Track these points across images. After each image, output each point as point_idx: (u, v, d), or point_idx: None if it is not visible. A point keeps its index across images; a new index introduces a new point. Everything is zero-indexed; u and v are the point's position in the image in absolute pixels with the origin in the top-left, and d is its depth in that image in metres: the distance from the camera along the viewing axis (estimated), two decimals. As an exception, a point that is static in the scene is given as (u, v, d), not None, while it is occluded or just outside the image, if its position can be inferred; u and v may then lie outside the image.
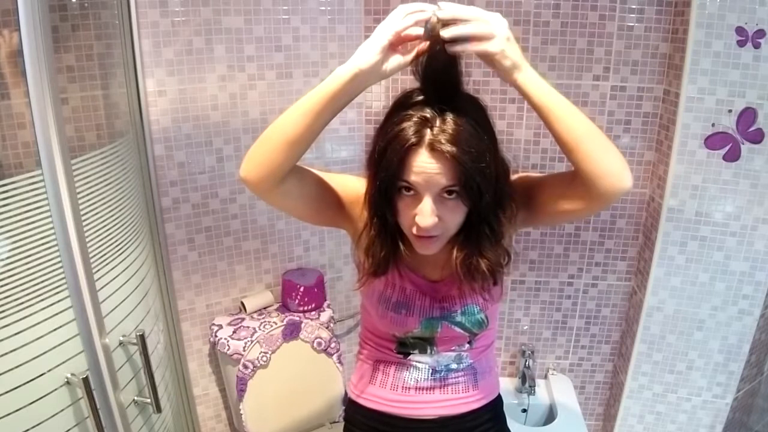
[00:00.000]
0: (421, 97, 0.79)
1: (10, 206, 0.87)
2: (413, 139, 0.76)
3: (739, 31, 1.38)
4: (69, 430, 0.98)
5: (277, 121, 0.81)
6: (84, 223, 0.97)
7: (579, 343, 1.92)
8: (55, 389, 0.95)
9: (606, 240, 1.77)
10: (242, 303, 1.72)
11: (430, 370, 1.02)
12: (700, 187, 1.53)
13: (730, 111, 1.45)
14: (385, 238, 0.89)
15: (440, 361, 1.02)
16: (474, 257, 0.88)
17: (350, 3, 1.63)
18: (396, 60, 0.77)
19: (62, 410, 0.96)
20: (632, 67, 1.60)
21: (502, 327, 1.92)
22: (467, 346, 1.02)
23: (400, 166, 0.77)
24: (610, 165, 0.79)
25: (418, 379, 1.03)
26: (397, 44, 0.77)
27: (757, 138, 1.45)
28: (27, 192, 0.88)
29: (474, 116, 0.79)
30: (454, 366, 1.03)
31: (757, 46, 1.38)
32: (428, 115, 0.77)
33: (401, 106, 0.81)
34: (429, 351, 1.01)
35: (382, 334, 1.03)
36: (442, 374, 1.03)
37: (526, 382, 1.83)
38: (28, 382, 0.90)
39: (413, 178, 0.78)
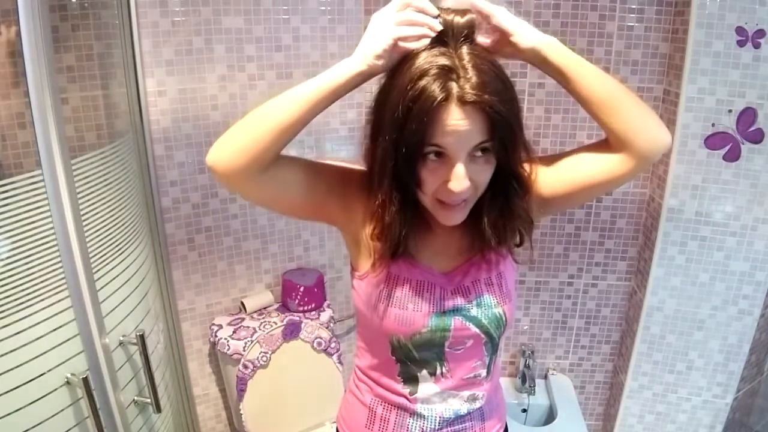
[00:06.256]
0: (431, 48, 0.71)
1: (10, 206, 0.87)
2: (440, 95, 0.67)
3: (739, 31, 1.38)
4: (69, 430, 0.98)
5: (264, 107, 0.74)
6: (84, 223, 0.97)
7: (579, 343, 1.92)
8: (55, 389, 0.95)
9: (606, 240, 1.77)
10: (242, 303, 1.72)
11: (438, 419, 0.89)
12: (700, 187, 1.53)
13: (730, 111, 1.45)
14: (404, 215, 0.79)
15: (449, 404, 0.89)
16: (504, 216, 0.81)
17: (350, 3, 1.63)
18: (395, 58, 0.72)
19: (62, 410, 0.96)
20: (632, 67, 1.60)
21: (502, 327, 1.92)
22: (484, 373, 0.90)
23: (427, 129, 0.68)
24: (650, 120, 0.78)
25: (424, 428, 0.89)
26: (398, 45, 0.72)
27: (757, 138, 1.45)
28: (27, 192, 0.88)
29: (491, 60, 0.72)
30: (464, 411, 0.90)
31: (757, 46, 1.38)
32: (448, 63, 0.68)
33: (409, 62, 0.71)
34: (439, 368, 0.87)
35: (382, 356, 0.89)
36: (450, 421, 0.90)
37: (526, 382, 1.83)
38: (28, 382, 0.90)
39: (444, 139, 0.69)
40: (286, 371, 1.66)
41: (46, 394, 0.93)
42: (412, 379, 0.88)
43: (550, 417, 1.81)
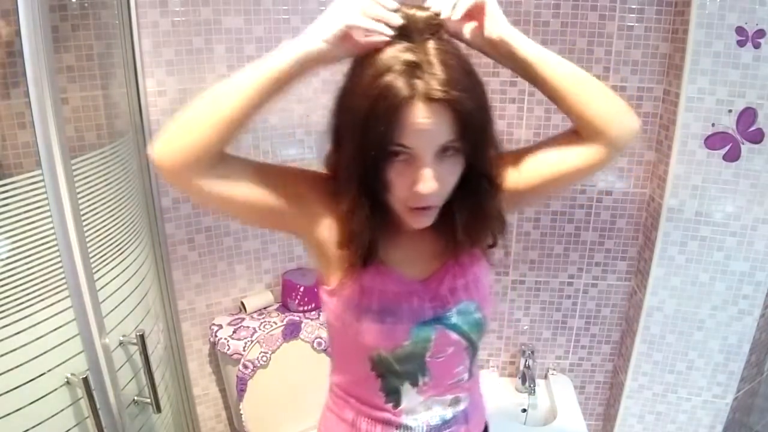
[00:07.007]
0: (394, 43, 0.66)
1: (10, 206, 0.87)
2: (405, 92, 0.63)
3: (739, 31, 1.38)
4: (69, 430, 0.98)
5: (207, 96, 0.69)
6: (84, 223, 0.97)
7: (579, 343, 1.92)
8: (55, 389, 0.95)
9: (606, 240, 1.77)
10: (242, 303, 1.72)
11: (424, 427, 0.87)
12: (700, 187, 1.53)
13: (730, 111, 1.45)
14: (374, 221, 0.74)
15: (434, 411, 0.87)
16: (476, 217, 0.78)
17: (350, 3, 1.63)
18: (346, 49, 0.69)
19: (62, 410, 0.96)
20: (632, 67, 1.60)
21: (502, 327, 1.92)
22: (466, 376, 0.88)
23: (392, 128, 0.65)
24: (619, 107, 0.77)
25: None
26: (350, 35, 0.68)
27: (757, 138, 1.45)
28: (27, 192, 0.88)
29: (459, 55, 0.69)
30: (449, 416, 0.88)
31: (757, 46, 1.38)
32: (413, 58, 0.64)
33: (372, 57, 0.67)
34: (421, 378, 0.84)
35: (361, 372, 0.84)
36: (437, 427, 0.88)
37: (526, 382, 1.83)
38: (28, 382, 0.90)
39: (409, 138, 0.66)
40: (286, 371, 1.66)
41: (46, 394, 0.93)
42: (394, 393, 0.85)
43: (550, 417, 1.81)
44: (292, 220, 0.79)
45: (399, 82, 0.63)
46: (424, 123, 0.65)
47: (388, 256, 0.80)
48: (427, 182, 0.68)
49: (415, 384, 0.84)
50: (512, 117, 1.68)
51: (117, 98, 1.32)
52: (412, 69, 0.64)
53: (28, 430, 0.91)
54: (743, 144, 1.46)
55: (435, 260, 0.83)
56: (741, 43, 1.39)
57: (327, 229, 0.79)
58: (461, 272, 0.83)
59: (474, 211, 0.77)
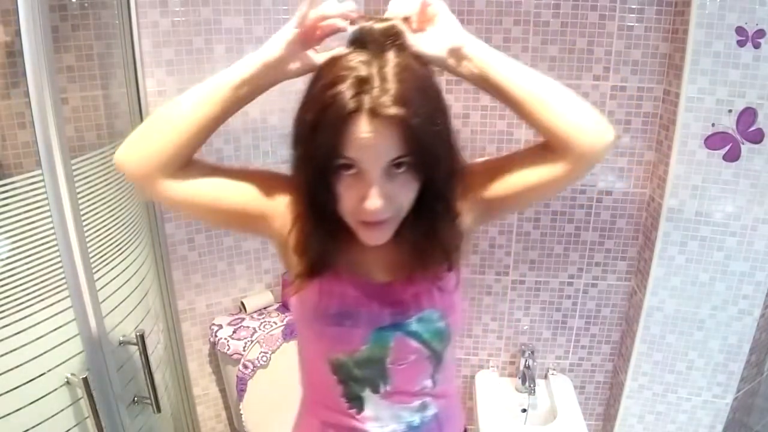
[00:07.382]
0: (352, 54, 0.66)
1: (10, 206, 0.87)
2: (351, 105, 0.62)
3: (739, 31, 1.38)
4: (69, 430, 0.98)
5: (171, 104, 0.71)
6: (84, 223, 0.97)
7: (579, 343, 1.92)
8: (55, 389, 0.95)
9: (606, 240, 1.77)
10: (242, 303, 1.72)
11: None
12: (700, 187, 1.53)
13: (730, 111, 1.45)
14: (322, 232, 0.74)
15: (401, 417, 0.84)
16: (428, 240, 0.75)
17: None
18: (305, 59, 0.70)
19: (62, 410, 0.96)
20: (632, 67, 1.60)
21: (502, 327, 1.92)
22: (430, 384, 0.85)
23: (337, 140, 0.64)
24: (589, 116, 0.73)
25: None
26: (308, 38, 0.69)
27: (757, 138, 1.45)
28: (27, 192, 0.89)
29: (417, 70, 0.67)
30: (417, 422, 0.85)
31: (757, 46, 1.38)
32: (364, 74, 0.63)
33: (328, 68, 0.67)
34: (383, 386, 0.82)
35: (323, 377, 0.83)
36: None
37: (526, 382, 1.83)
38: (28, 382, 0.90)
39: (354, 152, 0.64)
40: (287, 371, 1.65)
41: (46, 394, 0.93)
42: (356, 399, 0.84)
43: (550, 417, 1.81)
44: (259, 223, 0.79)
45: (347, 95, 0.63)
46: (368, 138, 0.63)
47: (348, 264, 0.79)
48: (373, 199, 0.66)
49: (376, 391, 0.83)
50: (512, 117, 1.67)
51: (117, 98, 1.32)
52: (362, 82, 0.63)
53: (28, 430, 0.91)
54: (743, 144, 1.46)
55: (401, 266, 0.80)
56: (741, 43, 1.39)
57: (289, 233, 0.78)
58: (427, 280, 0.81)
59: (427, 233, 0.75)
